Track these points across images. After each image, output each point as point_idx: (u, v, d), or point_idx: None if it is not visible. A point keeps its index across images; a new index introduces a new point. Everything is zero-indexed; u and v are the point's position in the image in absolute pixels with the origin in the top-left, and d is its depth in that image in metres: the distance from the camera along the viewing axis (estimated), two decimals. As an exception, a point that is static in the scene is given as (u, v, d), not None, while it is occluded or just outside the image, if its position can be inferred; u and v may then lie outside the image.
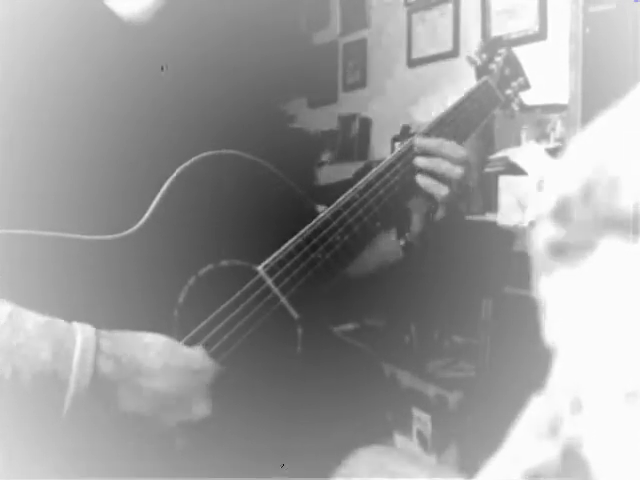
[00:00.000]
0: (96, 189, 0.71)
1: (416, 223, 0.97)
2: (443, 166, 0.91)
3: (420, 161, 0.92)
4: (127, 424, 0.61)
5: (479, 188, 1.80)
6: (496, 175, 1.76)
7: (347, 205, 0.84)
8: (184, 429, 0.64)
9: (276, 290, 0.77)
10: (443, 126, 0.95)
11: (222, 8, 0.89)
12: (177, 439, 0.64)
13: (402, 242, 0.98)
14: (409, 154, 0.92)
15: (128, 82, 0.77)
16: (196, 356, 0.67)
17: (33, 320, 0.58)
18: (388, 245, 1.00)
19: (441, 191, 0.91)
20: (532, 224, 1.63)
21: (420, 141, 0.92)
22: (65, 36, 0.74)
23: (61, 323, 0.60)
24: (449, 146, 0.92)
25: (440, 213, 0.94)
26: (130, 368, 0.62)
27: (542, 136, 1.82)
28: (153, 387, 0.62)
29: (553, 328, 0.27)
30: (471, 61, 1.10)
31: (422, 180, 0.91)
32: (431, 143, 0.92)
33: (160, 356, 0.64)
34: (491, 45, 1.11)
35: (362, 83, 3.10)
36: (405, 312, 2.02)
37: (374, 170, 0.89)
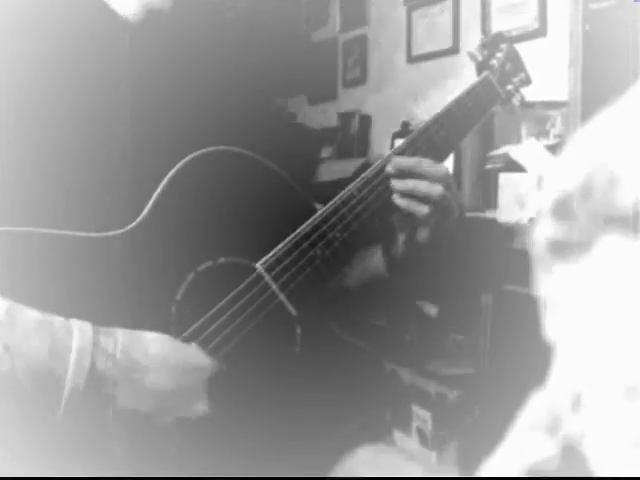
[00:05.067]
0: (95, 186, 0.71)
1: (400, 243, 0.91)
2: (421, 186, 0.85)
3: (396, 183, 0.86)
4: (124, 422, 0.61)
5: (477, 187, 1.79)
6: (496, 172, 1.76)
7: (346, 202, 0.84)
8: (182, 427, 0.64)
9: (275, 287, 0.77)
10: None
11: (222, 6, 0.89)
12: (174, 437, 0.64)
13: (386, 260, 0.93)
14: (408, 151, 0.91)
15: (129, 80, 0.77)
16: (194, 353, 0.67)
17: (31, 317, 0.58)
18: (373, 261, 0.96)
19: (422, 210, 0.85)
20: (532, 221, 1.63)
21: (395, 161, 0.87)
22: (66, 35, 0.74)
23: (59, 320, 0.60)
24: (427, 164, 0.87)
25: (423, 234, 0.87)
26: (128, 365, 0.62)
27: (542, 133, 1.82)
28: (151, 384, 0.62)
29: (553, 325, 0.27)
30: (472, 56, 1.09)
31: (400, 201, 0.86)
32: (408, 162, 0.87)
33: (158, 353, 0.64)
34: (492, 41, 1.11)
35: (362, 80, 3.09)
36: (405, 310, 2.03)
37: (373, 167, 0.89)
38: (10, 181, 0.67)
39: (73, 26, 0.75)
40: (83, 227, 0.67)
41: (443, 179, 0.86)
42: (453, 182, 0.88)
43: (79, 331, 0.60)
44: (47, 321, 0.59)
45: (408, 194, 0.86)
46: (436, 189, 0.85)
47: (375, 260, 0.96)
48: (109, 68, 0.76)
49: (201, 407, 0.65)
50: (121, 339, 0.63)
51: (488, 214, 1.78)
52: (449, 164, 1.99)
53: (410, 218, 0.87)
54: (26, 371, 0.56)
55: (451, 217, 0.87)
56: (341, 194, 0.84)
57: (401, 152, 0.90)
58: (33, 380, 0.56)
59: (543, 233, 0.27)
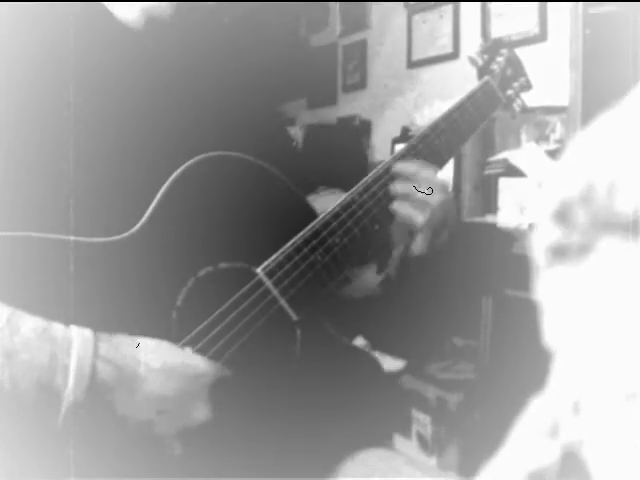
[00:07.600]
0: (95, 191, 0.71)
1: (395, 257, 0.92)
2: (419, 192, 0.86)
3: (395, 186, 0.88)
4: (125, 429, 0.61)
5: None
6: (496, 177, 1.76)
7: (346, 207, 0.84)
8: (183, 434, 0.64)
9: (275, 292, 0.77)
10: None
11: (222, 11, 0.89)
12: (176, 444, 0.64)
13: (381, 277, 0.95)
14: (408, 157, 0.92)
15: (128, 84, 0.77)
16: (195, 360, 0.67)
17: (31, 324, 0.58)
18: (367, 279, 0.97)
19: (417, 217, 0.86)
20: (532, 226, 1.63)
21: (397, 166, 0.89)
22: (66, 38, 0.74)
23: (59, 327, 0.60)
24: (426, 172, 0.88)
25: (418, 243, 0.87)
26: (128, 373, 0.62)
27: (542, 138, 1.82)
28: (151, 392, 0.62)
29: (553, 330, 0.27)
30: (473, 61, 1.10)
31: (398, 206, 0.87)
32: (410, 167, 0.89)
33: (159, 360, 0.64)
34: (493, 46, 1.11)
35: (362, 85, 3.09)
36: (405, 313, 2.02)
37: (373, 172, 0.89)
38: (9, 185, 0.67)
39: (73, 30, 0.75)
40: (83, 232, 0.67)
41: (442, 189, 0.87)
42: (452, 195, 0.89)
43: (79, 338, 0.60)
44: (48, 328, 0.59)
45: (405, 198, 0.87)
46: (433, 197, 0.86)
47: (368, 277, 0.96)
48: (108, 73, 0.76)
49: (202, 413, 0.65)
50: (122, 346, 0.63)
51: (488, 219, 1.78)
52: (449, 169, 2.00)
53: (406, 226, 0.88)
54: (27, 379, 0.56)
55: (446, 229, 0.88)
56: (341, 199, 0.85)
57: (401, 157, 0.91)
58: (33, 388, 0.56)
59: (543, 238, 0.27)
